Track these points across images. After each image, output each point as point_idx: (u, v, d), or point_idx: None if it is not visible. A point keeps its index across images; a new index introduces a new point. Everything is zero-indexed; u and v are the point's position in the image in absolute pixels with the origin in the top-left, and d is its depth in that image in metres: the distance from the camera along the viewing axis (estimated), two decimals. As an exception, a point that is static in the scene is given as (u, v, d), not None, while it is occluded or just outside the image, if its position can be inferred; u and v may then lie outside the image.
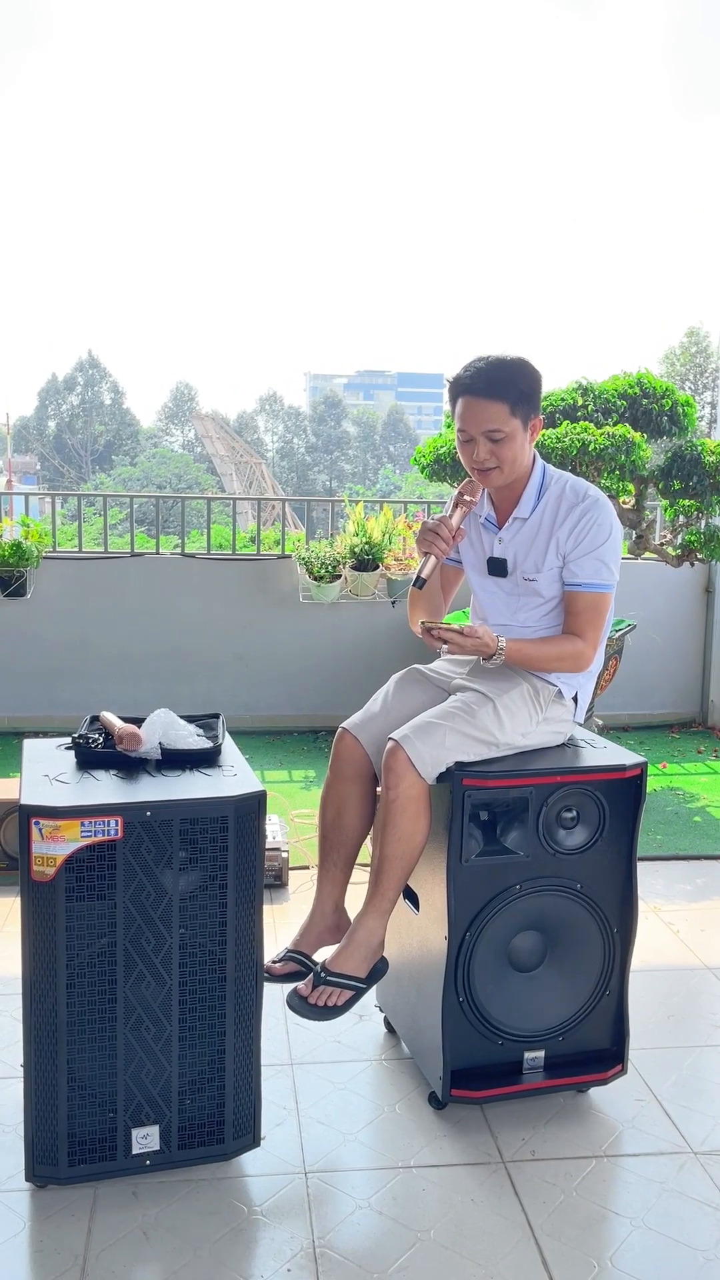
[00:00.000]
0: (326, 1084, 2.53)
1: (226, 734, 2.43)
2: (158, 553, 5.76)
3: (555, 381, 5.09)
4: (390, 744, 2.28)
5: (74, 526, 8.31)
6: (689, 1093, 2.54)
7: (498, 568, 2.46)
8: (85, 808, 1.98)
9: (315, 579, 5.38)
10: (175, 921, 2.05)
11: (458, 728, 2.28)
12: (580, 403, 4.77)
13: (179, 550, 5.82)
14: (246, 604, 5.60)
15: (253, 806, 2.09)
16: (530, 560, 2.41)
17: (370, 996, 2.83)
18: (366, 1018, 2.81)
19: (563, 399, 4.80)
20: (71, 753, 2.26)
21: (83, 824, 1.97)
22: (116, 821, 1.99)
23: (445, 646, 2.30)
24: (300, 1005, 2.28)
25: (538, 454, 2.46)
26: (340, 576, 5.37)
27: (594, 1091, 2.52)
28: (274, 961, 2.45)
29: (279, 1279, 1.94)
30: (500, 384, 2.31)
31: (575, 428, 4.57)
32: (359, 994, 2.32)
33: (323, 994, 2.29)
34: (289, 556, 5.61)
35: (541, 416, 2.41)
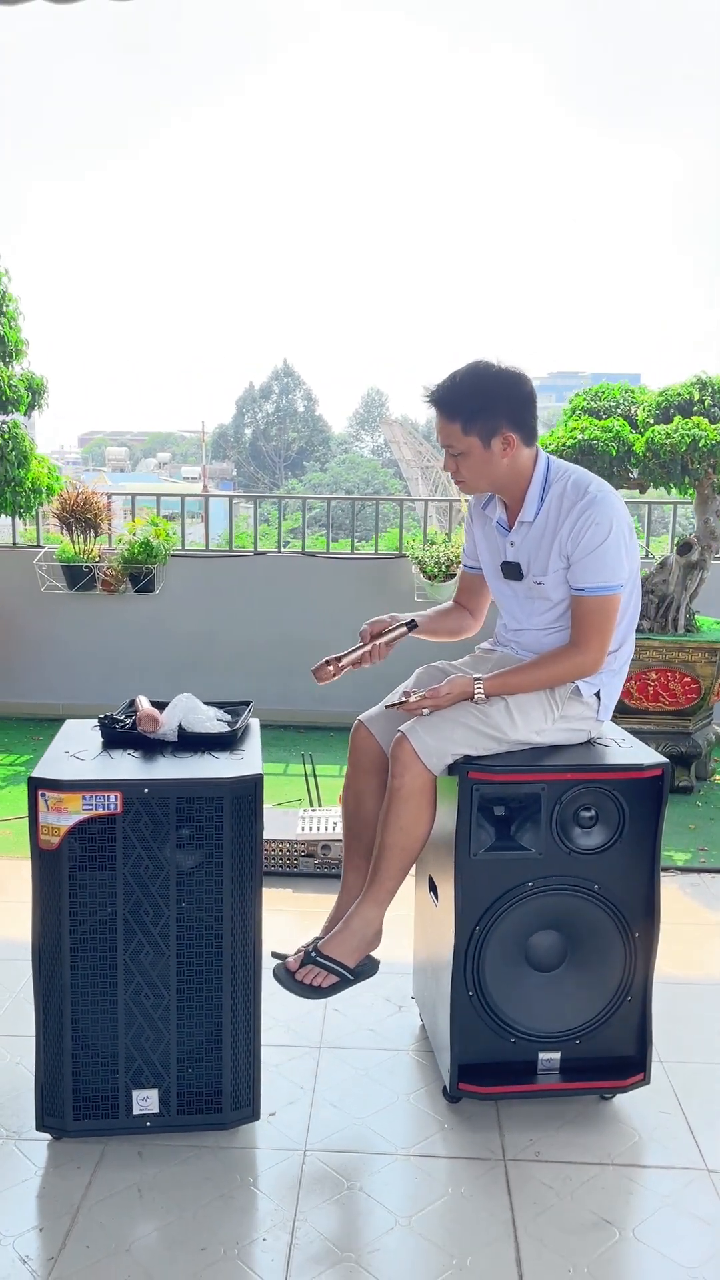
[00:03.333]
0: (348, 1068, 2.57)
1: (251, 720, 2.51)
2: (279, 551, 5.92)
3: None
4: (398, 735, 2.30)
5: (264, 527, 8.58)
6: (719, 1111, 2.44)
7: (512, 571, 2.44)
8: (87, 782, 2.11)
9: (429, 578, 5.41)
10: (173, 895, 2.14)
11: (466, 722, 2.28)
12: (697, 398, 4.61)
13: (299, 550, 5.96)
14: (365, 602, 5.66)
15: (249, 789, 2.16)
16: (537, 563, 2.37)
17: (408, 988, 2.87)
18: (406, 1008, 2.84)
19: (679, 394, 4.65)
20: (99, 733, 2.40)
21: (84, 797, 2.10)
22: (116, 797, 2.10)
23: (427, 711, 2.31)
24: (286, 979, 2.34)
25: (542, 452, 2.41)
26: (454, 575, 5.38)
27: (619, 1100, 2.46)
28: (296, 951, 2.51)
29: (252, 1246, 2.00)
30: (451, 405, 2.30)
31: (687, 423, 4.43)
32: (344, 982, 2.35)
33: (309, 973, 2.34)
34: (405, 556, 5.66)
35: (518, 433, 2.32)
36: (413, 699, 2.33)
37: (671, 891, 3.67)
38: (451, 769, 2.31)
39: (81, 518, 5.52)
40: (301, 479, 59.41)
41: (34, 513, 5.10)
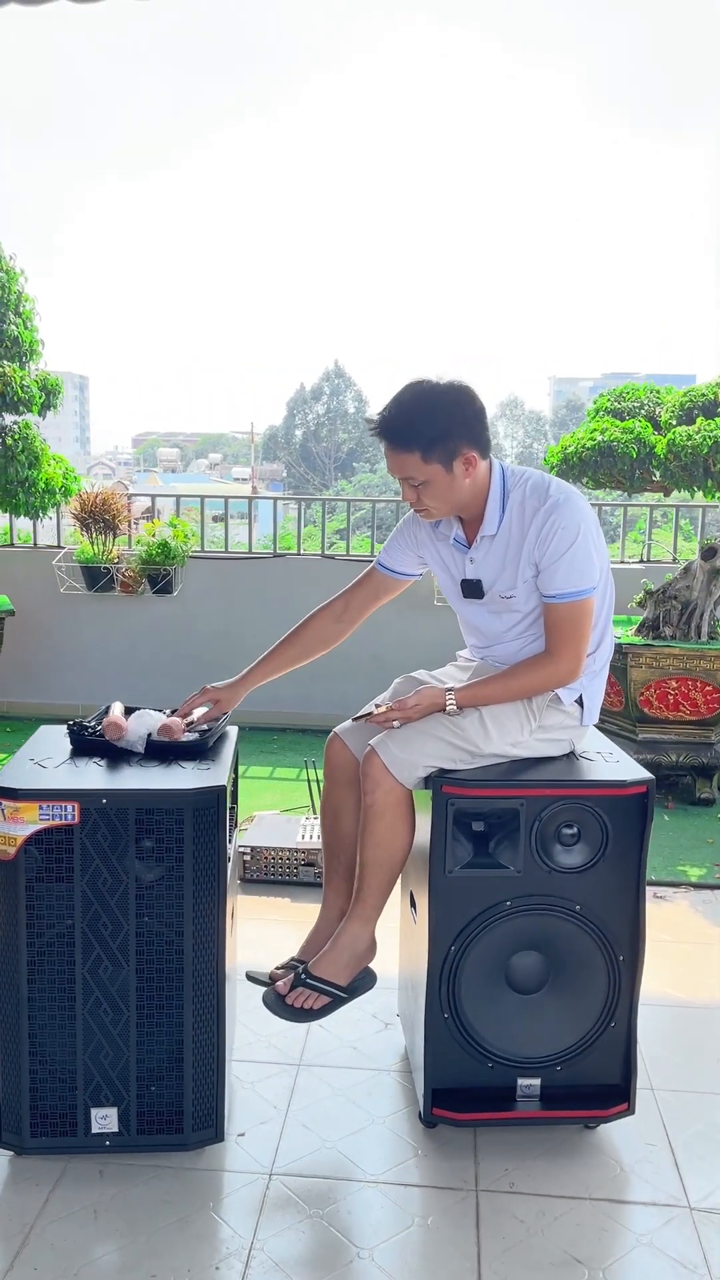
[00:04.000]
0: (325, 1088, 2.50)
1: (226, 730, 2.45)
2: (299, 554, 5.86)
3: None
4: (368, 749, 2.22)
5: (309, 529, 8.52)
6: (708, 1144, 2.32)
7: (472, 589, 2.32)
8: (43, 791, 2.05)
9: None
10: (132, 909, 2.08)
11: (438, 734, 2.19)
12: (722, 398, 4.47)
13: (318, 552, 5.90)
14: (384, 606, 5.59)
15: (211, 801, 2.09)
16: (504, 577, 2.26)
17: (395, 1005, 2.78)
18: (392, 1025, 2.75)
19: (703, 395, 4.51)
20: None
21: (40, 807, 2.04)
22: (73, 807, 2.05)
23: (398, 723, 2.22)
24: (276, 1004, 2.26)
25: (496, 461, 2.28)
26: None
27: (604, 1130, 2.35)
28: (277, 968, 2.44)
29: (204, 1274, 1.93)
30: (405, 434, 2.16)
31: (710, 424, 4.29)
32: (337, 1002, 2.27)
33: (300, 996, 2.26)
34: (426, 559, 5.57)
35: (476, 450, 2.20)
36: (380, 710, 2.25)
37: (681, 908, 3.54)
38: (427, 783, 2.22)
39: (100, 519, 5.51)
40: (351, 480, 59.40)
41: (48, 514, 5.08)
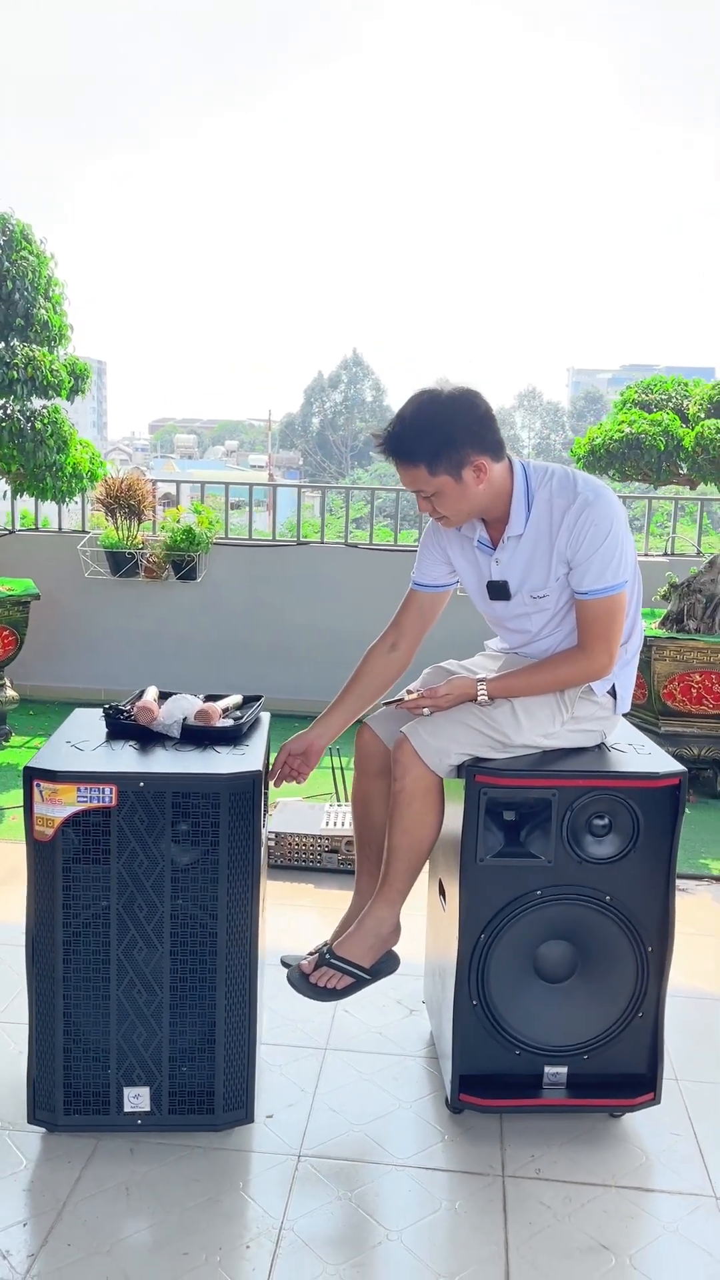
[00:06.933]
0: (352, 1072, 2.52)
1: (261, 715, 2.46)
2: (322, 542, 5.87)
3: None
4: (399, 736, 2.23)
5: (328, 517, 8.52)
6: (734, 1134, 2.34)
7: (499, 591, 2.31)
8: (82, 774, 2.07)
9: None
10: (168, 891, 2.10)
11: (470, 723, 2.20)
12: (743, 395, 4.46)
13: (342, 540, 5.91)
14: (403, 594, 5.61)
15: (247, 786, 2.11)
16: (535, 576, 2.26)
17: (420, 991, 2.80)
18: (417, 1012, 2.77)
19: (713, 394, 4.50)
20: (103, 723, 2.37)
21: (79, 789, 2.06)
22: (111, 789, 2.07)
23: (427, 711, 2.23)
24: (300, 982, 2.29)
25: (516, 460, 2.27)
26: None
27: (628, 1119, 2.37)
28: (309, 954, 2.46)
29: (235, 1252, 1.96)
30: (409, 449, 2.15)
31: (731, 420, 4.28)
32: (360, 983, 2.29)
33: (323, 975, 2.28)
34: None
35: (486, 455, 2.18)
36: (413, 697, 2.26)
37: (704, 901, 3.55)
38: (459, 772, 2.24)
39: (125, 504, 5.52)
40: (368, 469, 59.28)
41: (75, 498, 5.10)
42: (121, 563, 5.59)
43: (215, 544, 5.65)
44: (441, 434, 2.14)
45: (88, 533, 5.80)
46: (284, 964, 2.46)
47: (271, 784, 2.47)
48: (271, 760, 2.46)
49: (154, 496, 5.77)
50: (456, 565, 2.41)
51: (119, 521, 5.60)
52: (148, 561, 5.61)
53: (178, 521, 5.62)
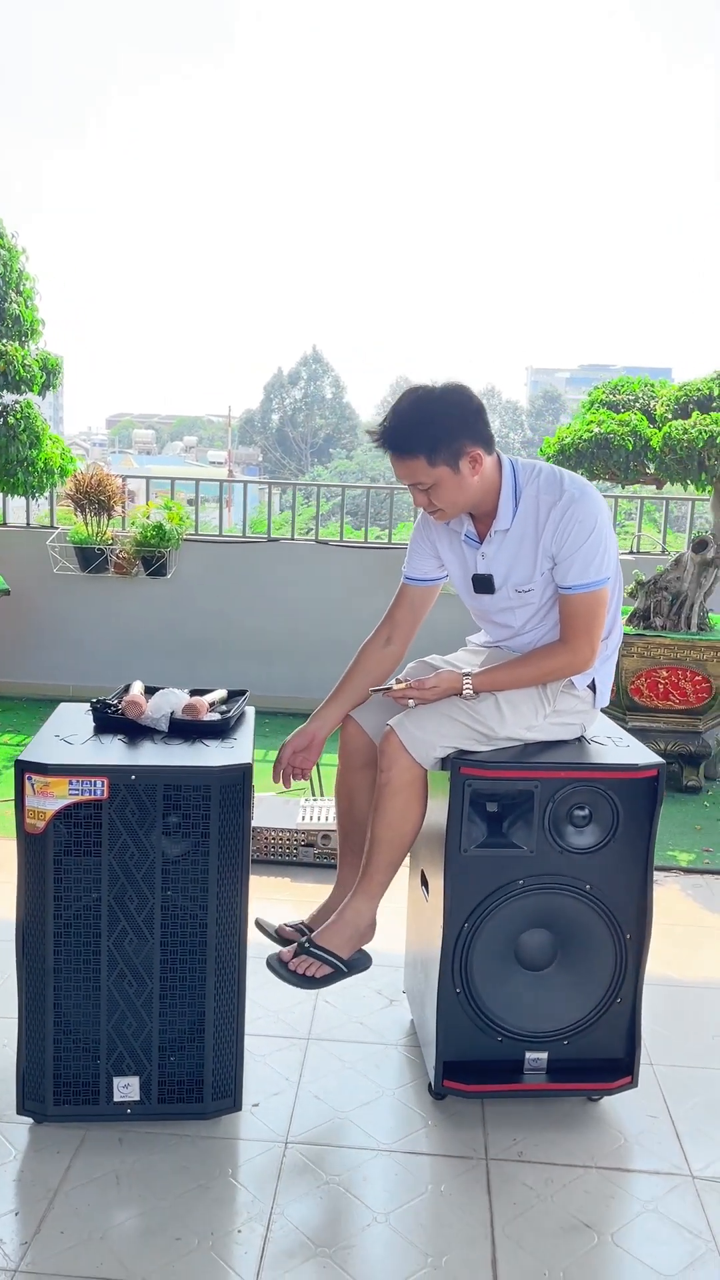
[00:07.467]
0: (335, 1061, 2.56)
1: (246, 710, 2.49)
2: (292, 539, 5.90)
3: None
4: (386, 728, 2.28)
5: (288, 515, 8.53)
6: (708, 1116, 2.41)
7: (483, 584, 2.37)
8: (74, 767, 2.09)
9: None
10: (158, 883, 2.13)
11: (455, 716, 2.25)
12: (717, 393, 4.55)
13: (311, 536, 5.94)
14: (376, 591, 5.63)
15: (237, 778, 2.14)
16: (520, 570, 2.31)
17: (400, 982, 2.85)
18: (397, 1002, 2.82)
19: (699, 389, 4.59)
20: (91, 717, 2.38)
21: (70, 782, 2.08)
22: (102, 782, 2.09)
23: (412, 702, 2.28)
24: (279, 968, 2.32)
25: (504, 456, 2.32)
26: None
27: (606, 1103, 2.43)
28: (285, 924, 2.52)
29: (227, 1238, 1.99)
30: (409, 440, 2.20)
31: (706, 419, 4.37)
32: (338, 974, 2.33)
33: (302, 963, 2.32)
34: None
35: (480, 447, 2.23)
36: (400, 687, 2.30)
37: (673, 892, 3.63)
38: (444, 764, 2.28)
39: (95, 499, 5.51)
40: (328, 466, 59.27)
41: (46, 493, 5.09)
42: (91, 559, 5.58)
43: (185, 540, 5.65)
44: (439, 425, 2.19)
45: (56, 528, 5.78)
46: (260, 927, 2.50)
47: (281, 785, 2.52)
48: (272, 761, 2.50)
49: (124, 492, 5.77)
50: (444, 558, 2.46)
51: (88, 517, 5.59)
52: (117, 558, 5.60)
53: (147, 517, 5.62)
